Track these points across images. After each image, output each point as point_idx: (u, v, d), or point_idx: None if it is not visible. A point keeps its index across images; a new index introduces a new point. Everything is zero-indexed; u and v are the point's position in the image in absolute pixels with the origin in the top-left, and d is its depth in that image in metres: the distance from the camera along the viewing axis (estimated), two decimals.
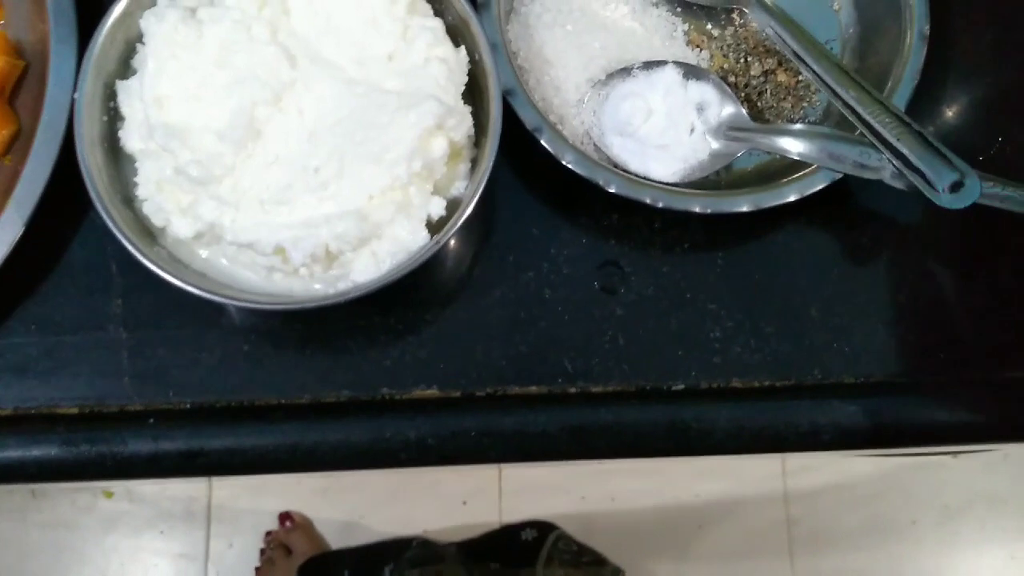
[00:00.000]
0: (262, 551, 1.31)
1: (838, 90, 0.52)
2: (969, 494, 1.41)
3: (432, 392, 0.53)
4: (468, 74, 0.52)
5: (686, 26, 0.59)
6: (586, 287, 0.55)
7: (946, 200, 0.49)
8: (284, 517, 1.31)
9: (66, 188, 0.50)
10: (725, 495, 1.38)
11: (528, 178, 0.57)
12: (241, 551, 1.33)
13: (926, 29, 0.55)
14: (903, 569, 1.39)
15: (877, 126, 0.51)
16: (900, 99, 0.54)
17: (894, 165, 0.50)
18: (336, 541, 1.33)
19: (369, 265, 0.49)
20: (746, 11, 0.58)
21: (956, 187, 0.49)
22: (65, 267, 0.54)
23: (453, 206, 0.51)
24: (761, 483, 1.39)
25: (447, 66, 0.50)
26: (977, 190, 0.49)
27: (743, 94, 0.58)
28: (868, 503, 1.40)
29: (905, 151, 0.50)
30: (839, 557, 1.39)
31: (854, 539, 1.39)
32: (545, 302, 0.55)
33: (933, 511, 1.40)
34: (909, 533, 1.40)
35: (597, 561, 1.06)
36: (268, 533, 1.32)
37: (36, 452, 0.51)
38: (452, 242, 0.53)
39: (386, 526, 1.34)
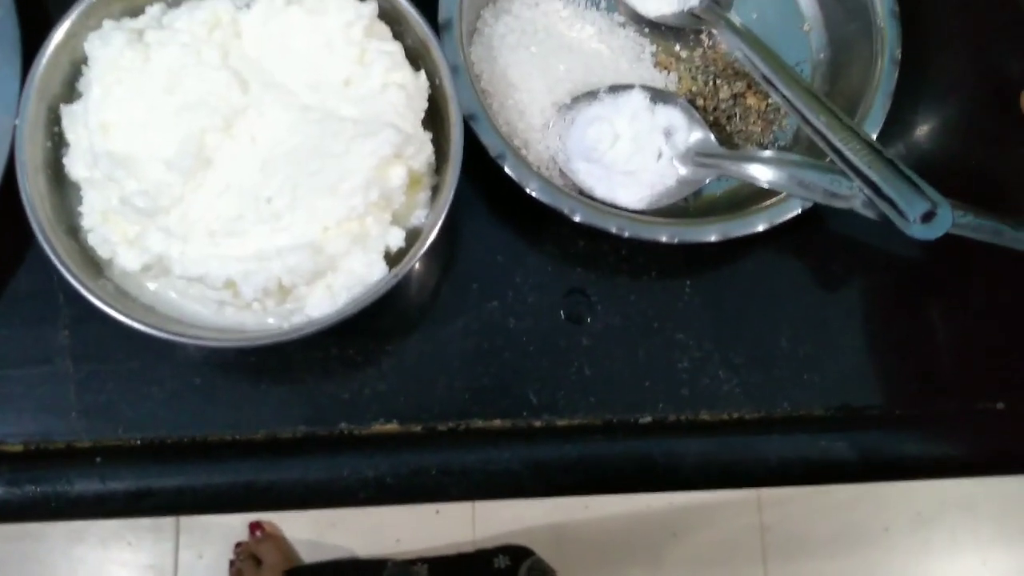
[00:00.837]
0: (231, 562, 1.29)
1: (808, 115, 0.51)
2: (941, 501, 1.41)
3: (392, 426, 0.52)
4: (429, 99, 0.50)
5: (654, 47, 0.57)
6: (552, 316, 0.54)
7: (917, 230, 0.48)
8: (254, 527, 1.29)
9: (10, 214, 0.47)
10: (699, 502, 1.38)
11: (492, 203, 0.55)
12: (211, 562, 1.31)
13: (898, 53, 0.54)
14: None
15: (848, 153, 0.50)
16: (871, 125, 0.53)
17: (865, 194, 0.49)
18: (307, 551, 1.31)
19: (324, 299, 0.47)
20: (715, 32, 0.57)
21: (928, 217, 0.48)
22: (9, 297, 0.52)
23: (413, 236, 0.49)
24: (735, 490, 1.39)
25: (406, 92, 0.48)
26: (949, 220, 0.48)
27: (712, 117, 0.56)
28: (841, 510, 1.40)
29: (876, 179, 0.49)
30: (812, 564, 1.39)
31: (827, 546, 1.39)
32: (510, 332, 0.53)
33: (905, 518, 1.41)
34: (882, 540, 1.40)
35: None
36: (238, 544, 1.30)
37: None
38: (413, 270, 0.51)
39: (358, 535, 1.32)
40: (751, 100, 0.57)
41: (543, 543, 1.25)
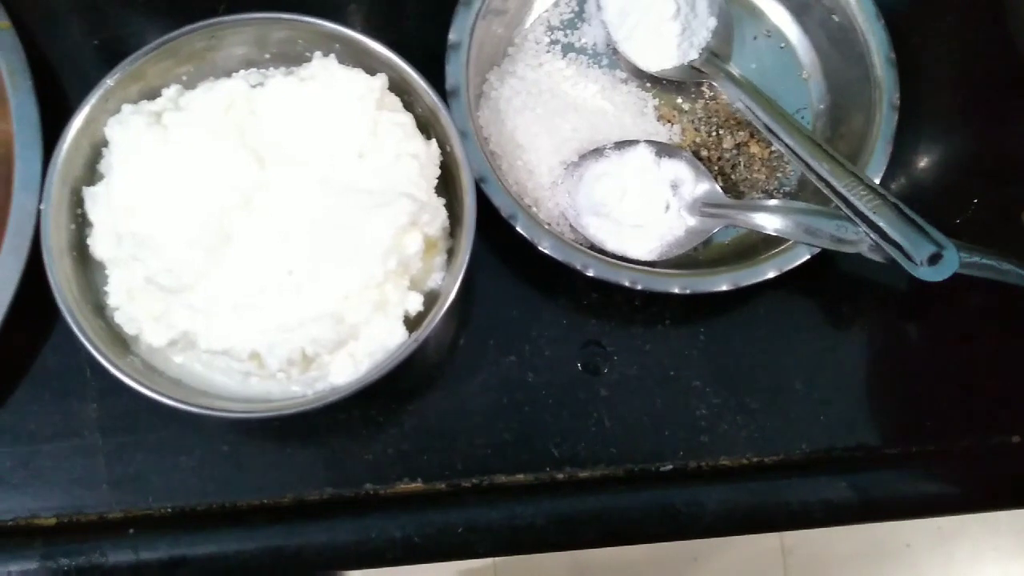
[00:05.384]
0: None
1: (811, 163, 0.52)
2: (962, 516, 1.40)
3: (416, 485, 0.52)
4: (440, 165, 0.51)
5: (656, 101, 0.58)
6: (569, 368, 0.55)
7: (924, 273, 0.49)
8: None
9: (36, 293, 0.48)
10: None
11: (506, 260, 0.56)
12: None
13: (896, 99, 0.55)
14: None
15: (852, 199, 0.51)
16: (874, 170, 0.54)
17: (871, 238, 0.50)
18: None
19: (347, 366, 0.48)
20: (715, 84, 0.58)
21: (934, 259, 0.49)
22: (37, 373, 0.53)
23: (431, 298, 0.50)
24: None
25: (418, 162, 0.49)
26: (956, 262, 0.49)
27: (716, 167, 0.57)
28: (862, 528, 1.37)
29: (882, 224, 0.50)
30: None
31: (849, 565, 1.39)
32: (528, 386, 0.54)
33: (927, 534, 1.40)
34: (904, 557, 1.39)
35: None
36: None
37: (14, 568, 0.50)
38: (432, 331, 0.52)
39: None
40: (754, 148, 0.58)
41: (564, 569, 1.25)
